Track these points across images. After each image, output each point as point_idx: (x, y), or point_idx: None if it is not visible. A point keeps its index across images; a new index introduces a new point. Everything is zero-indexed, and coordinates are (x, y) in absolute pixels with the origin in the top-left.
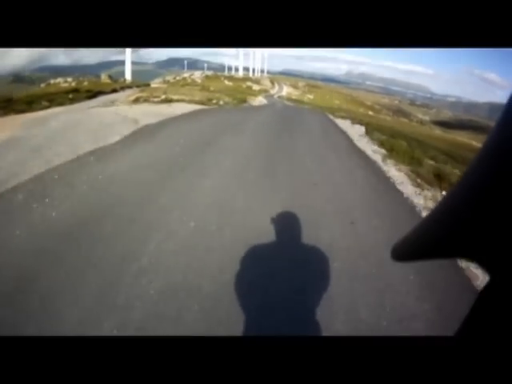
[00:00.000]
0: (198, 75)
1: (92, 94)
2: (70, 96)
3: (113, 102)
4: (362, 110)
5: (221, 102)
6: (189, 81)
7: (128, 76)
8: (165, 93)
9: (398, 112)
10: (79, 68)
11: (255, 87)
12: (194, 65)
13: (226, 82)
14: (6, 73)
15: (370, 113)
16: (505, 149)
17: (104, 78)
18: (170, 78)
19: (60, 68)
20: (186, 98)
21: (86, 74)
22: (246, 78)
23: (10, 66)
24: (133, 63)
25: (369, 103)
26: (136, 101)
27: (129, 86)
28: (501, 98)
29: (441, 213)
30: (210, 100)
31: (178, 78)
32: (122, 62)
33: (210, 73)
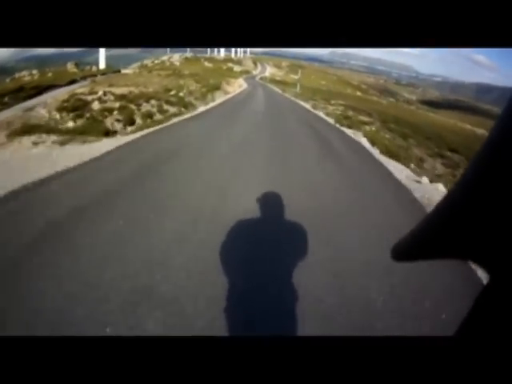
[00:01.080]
0: (177, 58)
1: (38, 91)
2: (6, 99)
3: (32, 109)
4: (349, 90)
5: (181, 94)
6: (167, 64)
7: (102, 63)
8: (110, 85)
9: (385, 91)
10: (65, 56)
11: (236, 68)
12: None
13: (206, 64)
14: None
15: (358, 93)
16: (504, 151)
17: (70, 67)
18: (148, 62)
19: (45, 57)
20: (136, 91)
21: (70, 61)
22: (227, 60)
23: None
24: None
25: (355, 83)
26: (66, 102)
27: (93, 75)
28: (488, 79)
29: (440, 213)
30: (167, 91)
31: (156, 61)
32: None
33: (190, 55)
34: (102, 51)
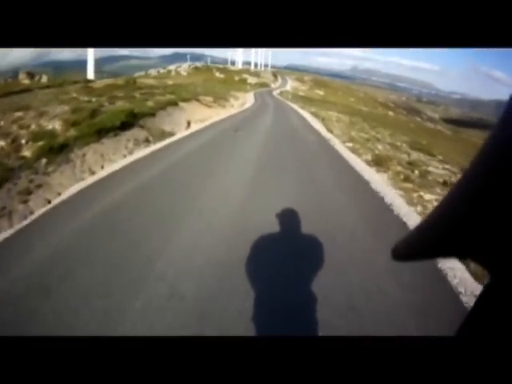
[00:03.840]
0: (185, 67)
1: None
2: None
3: None
4: (380, 109)
5: None
6: (173, 74)
7: (90, 73)
8: None
9: (411, 110)
10: (83, 62)
11: (251, 80)
12: (198, 59)
13: (218, 75)
14: (7, 70)
15: (391, 113)
16: (504, 149)
17: (22, 77)
18: (153, 71)
19: (62, 63)
20: None
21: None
22: (242, 71)
23: (12, 62)
24: (136, 58)
25: (381, 100)
26: None
27: (41, 87)
28: (507, 96)
29: (441, 212)
30: None
31: (162, 71)
32: (127, 57)
33: (201, 65)
34: (91, 61)
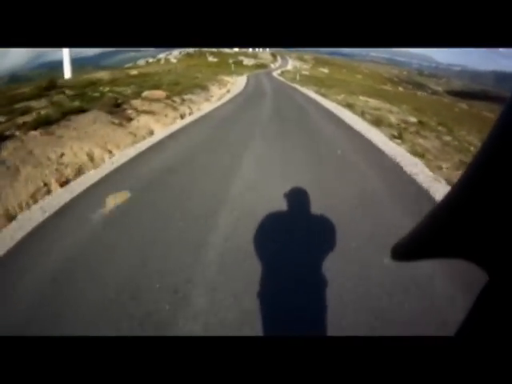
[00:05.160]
0: (175, 54)
1: None
2: None
3: None
4: (389, 84)
5: None
6: (162, 62)
7: (67, 71)
8: None
9: (415, 83)
10: (78, 60)
11: (247, 62)
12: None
13: (211, 59)
14: (3, 73)
15: (400, 89)
16: (504, 152)
17: None
18: (142, 61)
19: (59, 63)
20: None
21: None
22: (239, 53)
23: (8, 65)
24: (135, 50)
25: (386, 75)
26: None
27: None
28: (505, 67)
29: (440, 213)
30: None
31: (151, 60)
32: (123, 51)
33: (193, 50)
34: (66, 57)
